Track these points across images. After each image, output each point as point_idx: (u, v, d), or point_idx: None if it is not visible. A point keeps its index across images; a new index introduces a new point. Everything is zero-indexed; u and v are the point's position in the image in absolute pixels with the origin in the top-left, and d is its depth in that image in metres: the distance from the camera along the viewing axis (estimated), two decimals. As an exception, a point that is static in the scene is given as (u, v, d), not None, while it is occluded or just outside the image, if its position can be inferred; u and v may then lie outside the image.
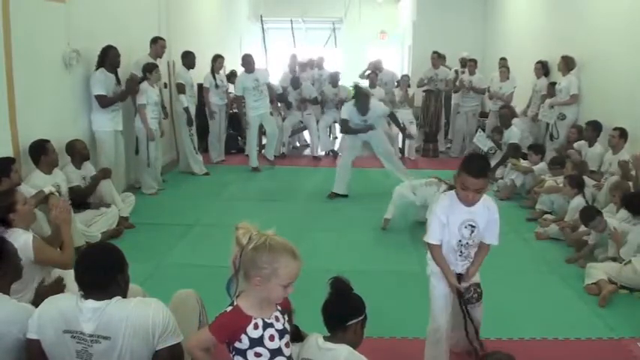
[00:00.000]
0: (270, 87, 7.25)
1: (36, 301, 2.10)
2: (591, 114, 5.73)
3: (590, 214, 4.01)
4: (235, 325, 1.74)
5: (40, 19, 4.25)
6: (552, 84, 6.61)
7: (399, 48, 14.01)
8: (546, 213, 5.12)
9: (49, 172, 4.06)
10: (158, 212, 5.28)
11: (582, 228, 4.29)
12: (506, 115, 6.63)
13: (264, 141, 8.10)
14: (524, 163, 5.97)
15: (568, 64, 6.15)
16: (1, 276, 1.99)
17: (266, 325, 1.76)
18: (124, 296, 1.86)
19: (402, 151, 8.49)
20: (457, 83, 8.22)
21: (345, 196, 5.86)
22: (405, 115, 7.74)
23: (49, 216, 3.03)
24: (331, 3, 13.58)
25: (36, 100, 4.20)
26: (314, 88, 8.13)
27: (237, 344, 1.75)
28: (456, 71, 8.65)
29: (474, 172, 2.24)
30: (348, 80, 8.65)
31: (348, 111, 5.68)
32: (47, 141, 4.06)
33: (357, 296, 2.03)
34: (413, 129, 7.97)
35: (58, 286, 2.36)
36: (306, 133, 8.91)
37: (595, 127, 5.38)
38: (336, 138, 8.86)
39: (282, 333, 1.80)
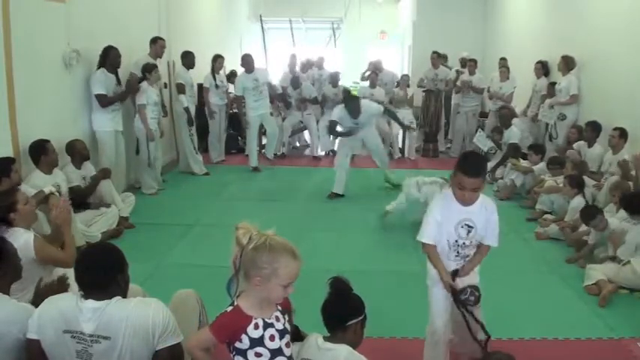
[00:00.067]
0: (271, 86, 7.25)
1: (36, 301, 2.10)
2: (591, 114, 5.73)
3: (591, 213, 4.01)
4: (236, 325, 1.74)
5: (40, 19, 4.25)
6: (552, 84, 6.61)
7: (399, 48, 14.02)
8: (546, 213, 5.12)
9: (49, 172, 4.06)
10: (158, 212, 5.28)
11: (582, 228, 4.30)
12: (506, 115, 6.64)
13: (264, 141, 8.10)
14: (524, 163, 5.97)
15: (568, 64, 6.15)
16: (1, 276, 1.99)
17: (266, 325, 1.76)
18: (124, 296, 1.86)
19: (402, 151, 8.50)
20: (458, 83, 8.22)
21: (342, 195, 5.87)
22: (405, 115, 7.73)
23: (49, 216, 3.03)
24: (331, 3, 13.57)
25: (36, 100, 4.20)
26: (314, 88, 8.13)
27: (237, 344, 1.75)
28: (457, 71, 8.65)
29: (469, 171, 2.22)
30: (348, 80, 8.65)
31: (339, 114, 5.69)
32: (47, 141, 4.06)
33: (357, 296, 2.03)
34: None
35: (61, 286, 2.35)
36: (306, 133, 8.91)
37: (594, 128, 5.38)
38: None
39: (282, 333, 1.80)
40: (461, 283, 2.42)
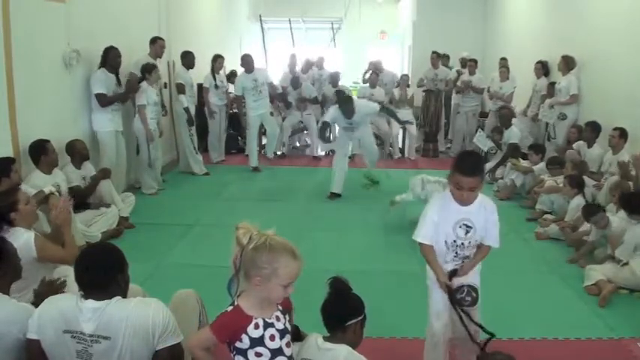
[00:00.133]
0: (271, 86, 7.25)
1: (35, 301, 2.10)
2: (591, 114, 5.74)
3: (592, 210, 4.01)
4: (236, 325, 1.74)
5: (40, 19, 4.25)
6: (552, 84, 6.61)
7: (399, 48, 14.01)
8: (546, 213, 5.12)
9: (49, 172, 4.06)
10: (158, 212, 5.28)
11: (582, 228, 4.30)
12: (506, 115, 6.64)
13: (264, 141, 8.10)
14: (524, 163, 5.97)
15: (568, 64, 6.15)
16: (1, 276, 1.99)
17: (267, 325, 1.76)
18: (124, 296, 1.86)
19: (402, 151, 8.50)
20: (459, 83, 8.22)
21: (339, 195, 5.86)
22: (405, 115, 7.73)
23: (49, 216, 3.03)
24: (331, 3, 13.56)
25: (36, 100, 4.20)
26: (314, 88, 8.13)
27: (237, 344, 1.75)
28: (458, 71, 8.65)
29: (466, 170, 2.19)
30: (349, 80, 8.64)
31: (333, 114, 5.69)
32: (47, 141, 4.06)
33: (356, 296, 2.03)
34: (413, 129, 7.97)
35: (60, 286, 2.35)
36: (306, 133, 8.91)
37: (594, 128, 5.38)
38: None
39: (282, 333, 1.80)
40: (458, 282, 2.40)
